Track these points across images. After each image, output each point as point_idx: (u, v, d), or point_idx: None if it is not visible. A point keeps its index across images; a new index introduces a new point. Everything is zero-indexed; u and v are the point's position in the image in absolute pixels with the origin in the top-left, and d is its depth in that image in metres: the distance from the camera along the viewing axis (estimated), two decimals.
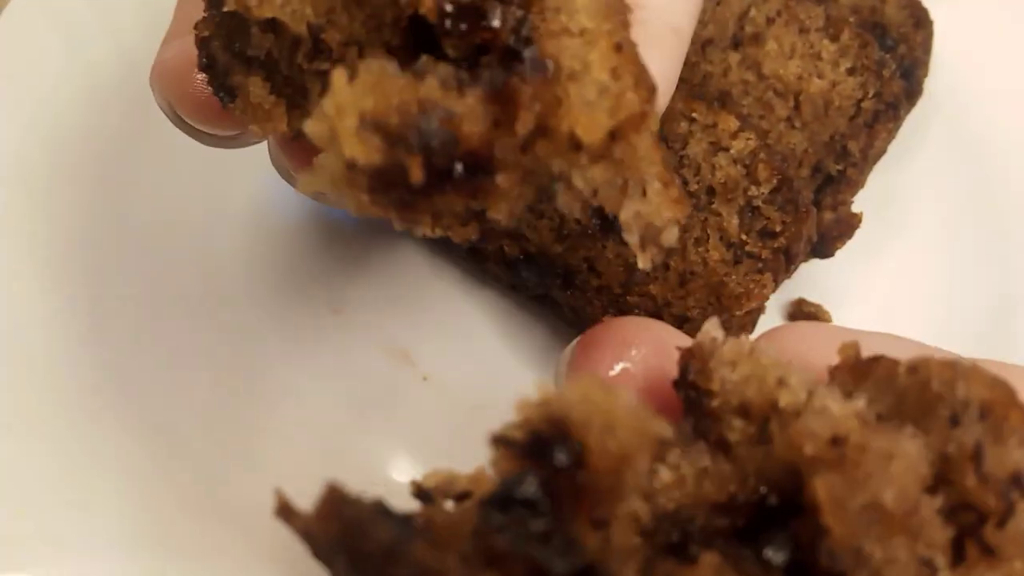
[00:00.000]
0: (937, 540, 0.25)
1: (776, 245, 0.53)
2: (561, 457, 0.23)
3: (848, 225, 0.58)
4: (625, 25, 0.30)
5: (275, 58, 0.32)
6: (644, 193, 0.29)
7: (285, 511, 0.25)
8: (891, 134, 0.61)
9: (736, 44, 0.60)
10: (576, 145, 0.28)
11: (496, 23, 0.28)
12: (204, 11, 0.33)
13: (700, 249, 0.53)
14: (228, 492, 0.55)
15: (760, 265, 0.52)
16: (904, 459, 0.25)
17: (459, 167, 0.27)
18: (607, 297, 0.54)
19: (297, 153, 0.36)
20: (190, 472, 0.55)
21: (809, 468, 0.25)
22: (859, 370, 0.28)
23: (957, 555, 0.26)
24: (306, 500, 0.53)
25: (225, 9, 0.31)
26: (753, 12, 0.60)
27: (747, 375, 0.28)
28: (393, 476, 0.56)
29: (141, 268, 0.61)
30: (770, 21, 0.60)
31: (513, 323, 0.60)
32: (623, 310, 0.54)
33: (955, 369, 0.27)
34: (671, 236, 0.30)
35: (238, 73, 0.32)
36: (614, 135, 0.28)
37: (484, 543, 0.23)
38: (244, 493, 0.55)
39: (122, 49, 0.67)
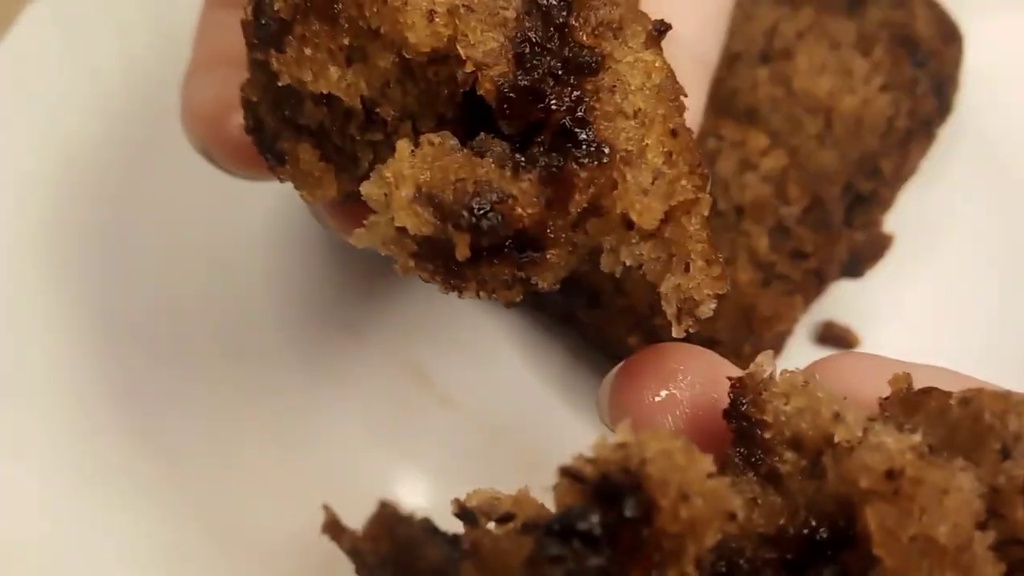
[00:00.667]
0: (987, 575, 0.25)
1: (807, 266, 0.51)
2: (631, 508, 0.22)
3: (879, 246, 0.57)
4: (680, 109, 0.31)
5: (327, 128, 0.32)
6: (687, 269, 0.30)
7: (333, 527, 0.25)
8: (924, 152, 0.59)
9: (765, 59, 0.58)
10: (627, 224, 0.29)
11: (553, 104, 0.29)
12: (249, 72, 0.33)
13: (729, 270, 0.52)
14: (243, 512, 0.55)
15: (790, 287, 0.51)
16: (958, 494, 0.25)
17: (509, 244, 0.28)
18: (633, 318, 0.52)
19: (343, 214, 0.36)
20: (205, 492, 0.55)
21: (863, 500, 0.24)
22: (911, 402, 0.28)
23: None
24: (320, 513, 0.53)
25: (280, 84, 0.31)
26: (782, 26, 0.58)
27: (801, 408, 0.27)
28: (404, 495, 0.55)
29: (155, 287, 0.61)
30: (800, 36, 0.59)
31: (535, 344, 0.59)
32: (649, 331, 0.52)
33: (1007, 401, 0.27)
34: (708, 310, 0.31)
35: (287, 139, 0.32)
36: (666, 218, 0.29)
37: (537, 571, 0.22)
38: (259, 514, 0.54)
39: (132, 61, 0.66)
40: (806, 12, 0.59)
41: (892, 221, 0.59)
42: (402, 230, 0.28)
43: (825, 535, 0.25)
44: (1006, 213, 0.62)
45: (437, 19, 0.29)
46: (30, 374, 0.56)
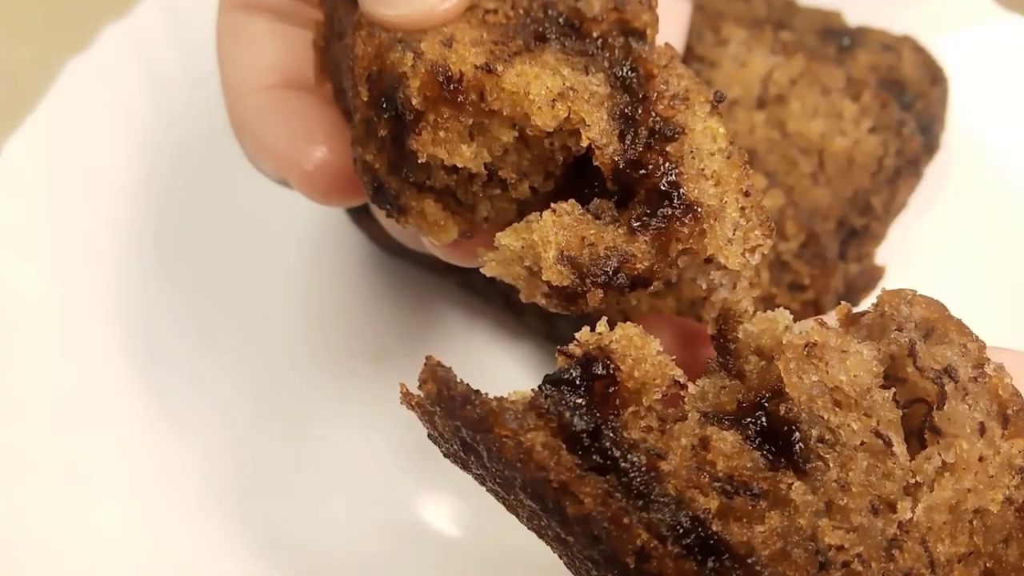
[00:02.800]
0: (889, 419, 0.32)
1: (805, 298, 0.55)
2: (599, 368, 0.32)
3: (872, 277, 0.60)
4: (748, 174, 0.38)
5: (451, 188, 0.38)
6: (735, 287, 0.38)
7: (407, 396, 0.34)
8: (912, 188, 0.63)
9: (761, 104, 0.62)
10: (709, 260, 0.37)
11: (652, 170, 0.36)
12: (365, 139, 0.38)
13: None
14: (266, 529, 0.57)
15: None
16: (857, 355, 0.33)
17: (626, 286, 0.36)
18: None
19: (454, 247, 0.42)
20: (232, 512, 0.58)
21: (785, 363, 0.33)
22: (848, 319, 0.36)
23: (920, 443, 0.32)
24: (345, 538, 0.55)
25: (420, 161, 0.37)
26: (776, 74, 0.62)
27: (763, 328, 0.35)
28: (429, 520, 0.58)
29: (189, 315, 0.64)
30: (793, 82, 0.62)
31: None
32: None
33: (899, 295, 0.35)
34: (745, 313, 0.37)
35: (411, 198, 0.38)
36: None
37: (534, 405, 0.31)
38: (282, 530, 0.57)
39: (165, 108, 0.70)
40: (798, 60, 0.63)
41: (884, 253, 0.62)
42: (536, 273, 0.36)
43: (767, 398, 0.33)
44: (991, 243, 0.66)
45: (558, 104, 0.36)
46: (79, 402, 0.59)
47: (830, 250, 0.57)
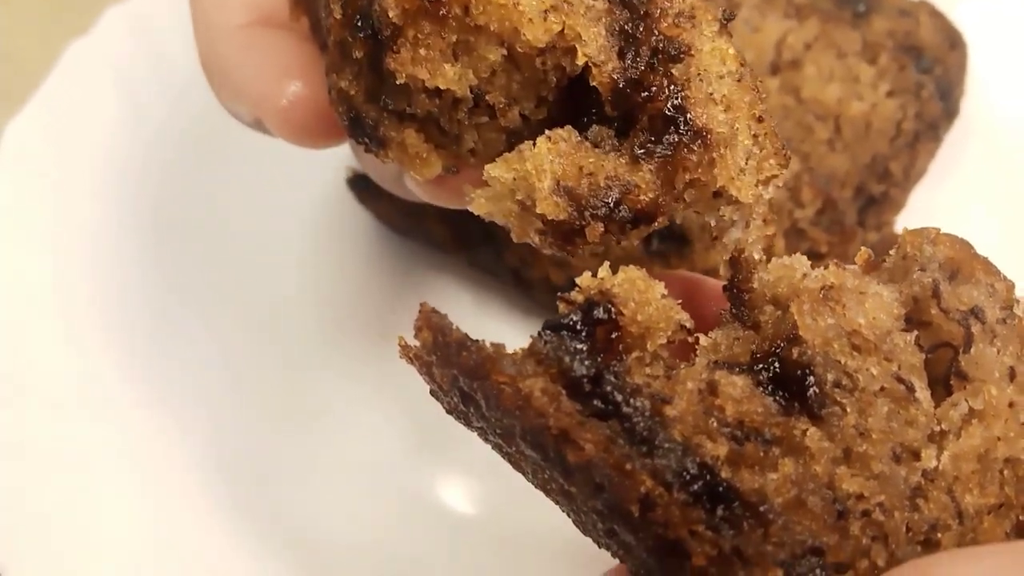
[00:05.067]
0: (911, 364, 0.30)
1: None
2: (600, 312, 0.30)
3: (892, 245, 0.58)
4: (761, 97, 0.34)
5: (434, 115, 0.35)
6: (747, 225, 0.35)
7: (405, 348, 0.33)
8: (932, 154, 0.61)
9: (775, 70, 0.61)
10: (718, 193, 0.33)
11: (655, 93, 0.33)
12: (339, 64, 0.35)
13: None
14: (276, 511, 0.56)
15: None
16: (875, 297, 0.31)
17: (628, 221, 0.33)
18: None
19: (437, 183, 0.39)
20: (241, 495, 0.57)
21: (799, 305, 0.31)
22: (869, 265, 0.34)
23: (946, 391, 0.30)
24: (357, 518, 0.54)
25: (398, 82, 0.33)
26: (790, 38, 0.61)
27: (780, 275, 0.33)
28: (442, 498, 0.57)
29: (194, 297, 0.63)
30: (807, 47, 0.61)
31: None
32: None
33: (922, 235, 0.33)
34: (756, 257, 0.35)
35: (390, 126, 0.35)
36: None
37: (533, 351, 0.30)
38: (292, 511, 0.56)
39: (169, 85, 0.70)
40: (812, 23, 0.61)
41: (903, 221, 0.61)
42: (528, 208, 0.33)
43: (781, 347, 0.31)
44: (1012, 210, 0.64)
45: (551, 17, 0.33)
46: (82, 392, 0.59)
47: (848, 217, 0.55)
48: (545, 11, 0.33)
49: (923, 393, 0.30)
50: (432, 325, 0.32)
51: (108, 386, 0.59)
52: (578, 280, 0.32)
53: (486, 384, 0.30)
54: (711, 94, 0.34)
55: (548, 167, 0.33)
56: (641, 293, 0.32)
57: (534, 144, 0.33)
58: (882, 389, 0.30)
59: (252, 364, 0.61)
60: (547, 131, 0.34)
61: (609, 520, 0.29)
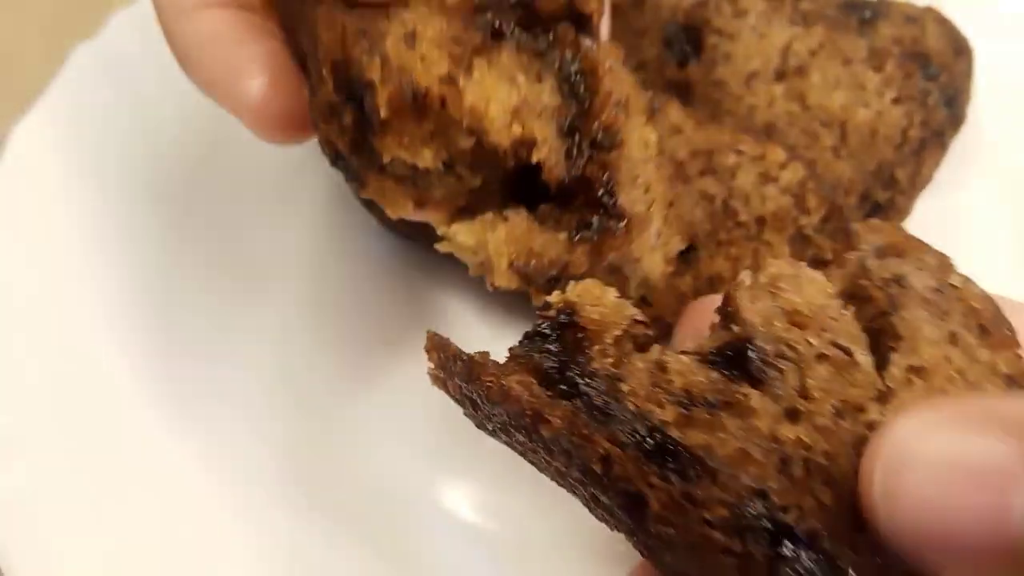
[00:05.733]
0: (850, 333, 0.32)
1: None
2: (563, 316, 0.35)
3: None
4: (672, 182, 0.42)
5: (409, 175, 0.41)
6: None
7: (430, 374, 0.37)
8: (937, 161, 0.61)
9: (780, 76, 0.61)
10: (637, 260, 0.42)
11: (594, 184, 0.40)
12: (332, 123, 0.39)
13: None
14: (279, 516, 0.56)
15: None
16: (811, 280, 0.34)
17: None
18: (660, 326, 0.54)
19: (414, 214, 0.43)
20: (243, 502, 0.57)
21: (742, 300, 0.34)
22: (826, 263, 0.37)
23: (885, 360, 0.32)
24: (360, 524, 0.54)
25: (384, 163, 0.39)
26: (796, 45, 0.61)
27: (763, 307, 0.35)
28: (447, 505, 0.57)
29: (199, 300, 0.63)
30: (813, 53, 0.61)
31: None
32: None
33: (868, 226, 0.36)
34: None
35: (370, 176, 0.40)
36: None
37: (513, 355, 0.35)
38: (296, 516, 0.56)
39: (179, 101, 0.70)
40: (818, 30, 0.61)
41: (909, 228, 0.60)
42: (487, 268, 0.41)
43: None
44: (1018, 216, 0.64)
45: (514, 124, 0.39)
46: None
47: (853, 224, 0.55)
48: (510, 119, 0.39)
49: (863, 357, 0.32)
50: (436, 346, 0.36)
51: (112, 389, 0.59)
52: (548, 298, 0.37)
53: (477, 384, 0.34)
54: (636, 178, 0.40)
55: (505, 251, 0.40)
56: (596, 297, 0.36)
57: (492, 218, 0.41)
58: (821, 355, 0.32)
59: (254, 370, 0.61)
60: (504, 212, 0.41)
61: (587, 485, 0.33)
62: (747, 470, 0.30)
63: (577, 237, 0.39)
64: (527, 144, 0.40)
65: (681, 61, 0.62)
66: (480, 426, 0.39)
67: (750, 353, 0.32)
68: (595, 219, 0.39)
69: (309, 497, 0.57)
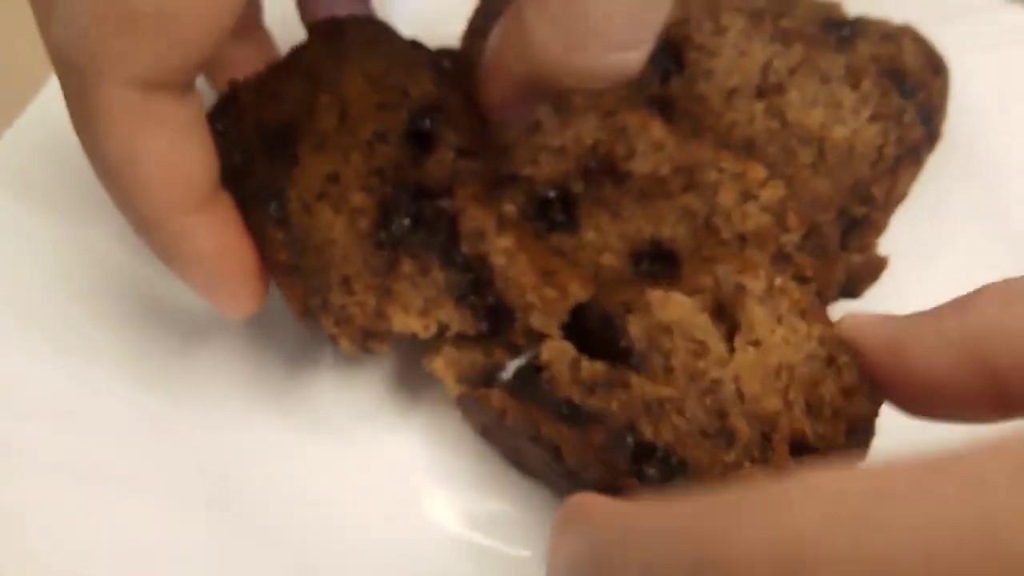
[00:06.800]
0: (705, 330, 0.47)
1: (808, 290, 0.54)
2: (535, 362, 0.51)
3: (875, 268, 0.60)
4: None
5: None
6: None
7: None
8: (913, 177, 0.62)
9: (760, 94, 0.62)
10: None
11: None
12: (293, 278, 0.50)
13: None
14: (271, 526, 0.56)
15: None
16: (679, 302, 0.49)
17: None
18: None
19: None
20: (235, 510, 0.57)
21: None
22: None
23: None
24: (352, 535, 0.55)
25: (342, 342, 0.51)
26: (776, 62, 0.62)
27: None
28: (439, 519, 0.57)
29: (191, 307, 0.63)
30: (792, 71, 0.62)
31: None
32: None
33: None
34: None
35: (325, 322, 0.51)
36: None
37: (502, 384, 0.53)
38: (286, 525, 0.56)
39: None
40: (797, 48, 0.62)
41: (885, 243, 0.62)
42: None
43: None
44: (992, 232, 0.65)
45: (428, 321, 0.52)
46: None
47: (832, 241, 0.56)
48: (423, 318, 0.52)
49: (715, 344, 0.46)
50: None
51: (104, 395, 0.59)
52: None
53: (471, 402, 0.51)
54: (508, 278, 0.53)
55: (451, 371, 0.52)
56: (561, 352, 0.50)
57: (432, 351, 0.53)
58: (681, 346, 0.47)
59: (247, 379, 0.61)
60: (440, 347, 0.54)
61: (543, 453, 0.47)
62: (626, 417, 0.45)
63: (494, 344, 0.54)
64: (443, 328, 0.51)
65: (663, 77, 0.63)
66: (488, 439, 0.55)
67: (632, 353, 0.47)
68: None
69: (292, 500, 0.57)
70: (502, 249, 0.52)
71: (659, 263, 0.56)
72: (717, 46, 0.63)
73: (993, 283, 0.43)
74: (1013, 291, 0.41)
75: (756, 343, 0.46)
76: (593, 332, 0.58)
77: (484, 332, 0.52)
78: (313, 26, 0.52)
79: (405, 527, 0.57)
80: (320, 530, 0.57)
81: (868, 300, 0.61)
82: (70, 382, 0.59)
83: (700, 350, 0.46)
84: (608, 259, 0.56)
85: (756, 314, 0.46)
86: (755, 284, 0.47)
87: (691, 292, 0.55)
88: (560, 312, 0.53)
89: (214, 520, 0.56)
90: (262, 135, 0.49)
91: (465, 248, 0.51)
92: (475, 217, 0.51)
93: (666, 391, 0.45)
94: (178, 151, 0.41)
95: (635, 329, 0.48)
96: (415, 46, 0.52)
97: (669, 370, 0.46)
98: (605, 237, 0.57)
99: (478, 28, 0.67)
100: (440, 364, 0.52)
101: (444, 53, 0.56)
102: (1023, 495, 0.23)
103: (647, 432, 0.45)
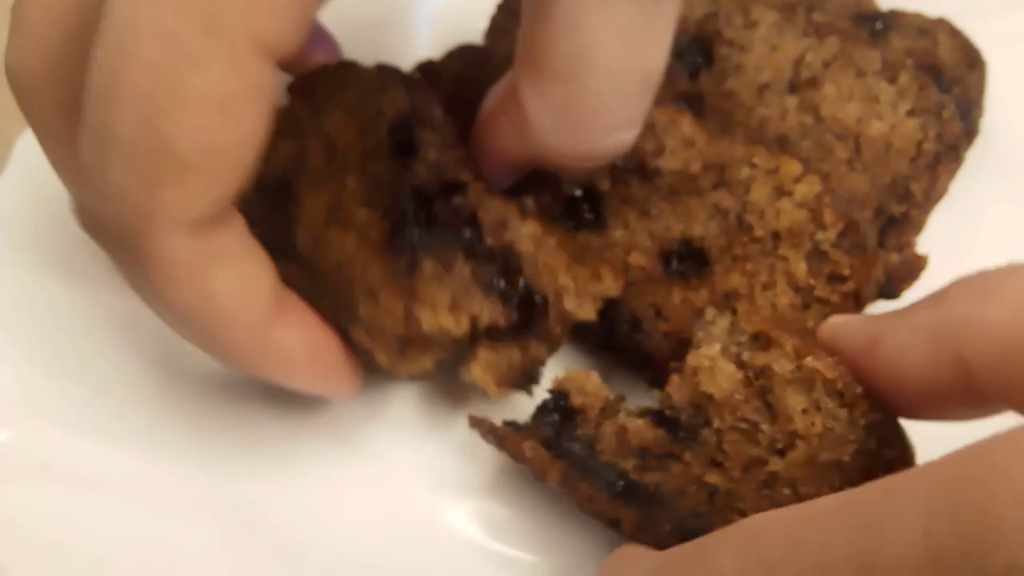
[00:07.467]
0: (754, 407, 0.45)
1: (845, 289, 0.52)
2: (558, 399, 0.50)
3: (914, 267, 0.57)
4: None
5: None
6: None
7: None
8: (952, 174, 0.60)
9: (793, 88, 0.60)
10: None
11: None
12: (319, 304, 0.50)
13: (768, 294, 0.53)
14: (282, 527, 0.55)
15: (829, 309, 0.52)
16: (722, 370, 0.45)
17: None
18: (675, 341, 0.53)
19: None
20: (246, 514, 0.56)
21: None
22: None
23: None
24: (365, 540, 0.54)
25: (379, 355, 0.51)
26: (809, 56, 0.60)
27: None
28: (452, 523, 0.56)
29: None
30: (826, 65, 0.60)
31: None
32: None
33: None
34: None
35: (358, 335, 0.51)
36: None
37: (528, 425, 0.50)
38: (297, 526, 0.55)
39: None
40: (831, 42, 0.60)
41: (925, 242, 0.60)
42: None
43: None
44: None
45: (459, 316, 0.50)
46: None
47: (869, 239, 0.54)
48: (453, 313, 0.50)
49: (766, 426, 0.44)
50: (476, 423, 0.50)
51: (116, 404, 0.58)
52: (554, 381, 0.50)
53: (504, 449, 0.49)
54: (535, 265, 0.52)
55: (490, 378, 0.52)
56: (581, 382, 0.49)
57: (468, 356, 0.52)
58: (731, 428, 0.45)
59: (257, 386, 0.60)
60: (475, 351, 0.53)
61: (592, 515, 0.48)
62: (685, 501, 0.44)
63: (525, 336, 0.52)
64: (475, 320, 0.50)
65: (692, 72, 0.61)
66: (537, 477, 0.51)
67: (682, 424, 0.46)
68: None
69: (303, 504, 0.56)
70: (528, 235, 0.50)
71: (689, 262, 0.55)
72: (747, 40, 0.61)
73: (966, 276, 0.42)
74: (985, 283, 0.40)
75: (800, 436, 0.43)
76: (620, 334, 0.56)
77: (516, 323, 0.50)
78: (290, 87, 0.52)
79: (425, 534, 0.56)
80: (339, 537, 0.56)
81: (906, 301, 0.58)
82: (84, 388, 0.58)
83: (750, 432, 0.44)
84: (637, 258, 0.55)
85: (791, 405, 0.44)
86: (782, 365, 0.44)
87: (722, 296, 0.54)
88: (595, 293, 0.51)
89: (233, 532, 0.55)
90: (260, 194, 0.48)
91: (489, 239, 0.50)
92: (494, 207, 0.50)
93: (722, 481, 0.44)
94: (246, 275, 0.40)
95: (678, 396, 0.46)
96: (382, 69, 0.52)
97: (723, 452, 0.45)
98: (633, 236, 0.55)
99: (500, 25, 0.66)
100: (478, 370, 0.51)
101: (422, 66, 0.60)
102: None
103: (714, 521, 0.43)
